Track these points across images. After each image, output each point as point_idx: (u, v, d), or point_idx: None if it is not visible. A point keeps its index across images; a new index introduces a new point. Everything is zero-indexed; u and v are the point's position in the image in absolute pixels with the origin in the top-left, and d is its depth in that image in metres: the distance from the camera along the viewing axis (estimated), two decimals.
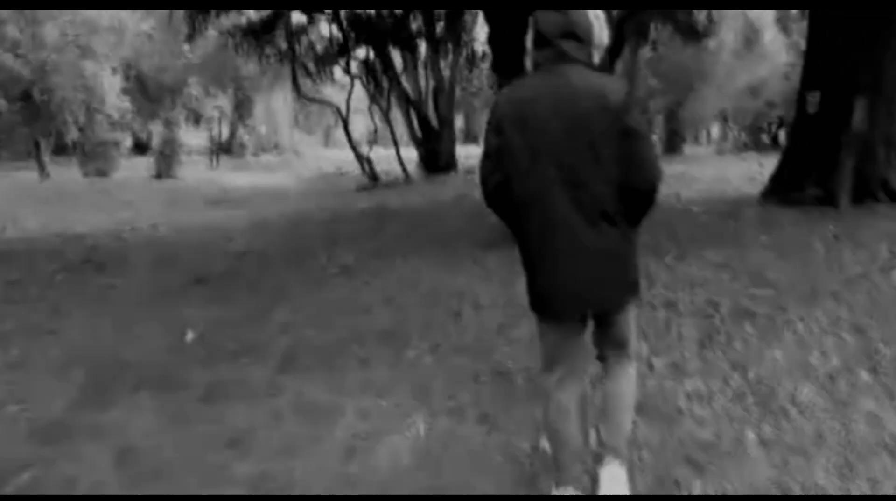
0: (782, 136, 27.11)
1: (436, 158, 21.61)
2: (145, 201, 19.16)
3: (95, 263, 9.37)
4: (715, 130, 37.93)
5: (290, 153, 38.84)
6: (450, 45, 20.07)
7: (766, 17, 25.39)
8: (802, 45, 22.94)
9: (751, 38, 26.23)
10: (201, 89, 34.61)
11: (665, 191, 11.80)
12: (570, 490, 2.80)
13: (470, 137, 50.77)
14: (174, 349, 5.46)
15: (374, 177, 19.69)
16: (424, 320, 5.49)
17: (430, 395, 4.17)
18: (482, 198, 2.80)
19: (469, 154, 29.66)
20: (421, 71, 22.08)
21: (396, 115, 22.89)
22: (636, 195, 2.56)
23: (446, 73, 22.26)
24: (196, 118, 39.30)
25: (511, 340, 4.86)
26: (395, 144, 20.12)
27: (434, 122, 21.88)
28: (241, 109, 39.12)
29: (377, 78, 19.17)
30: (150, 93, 30.96)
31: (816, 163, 9.57)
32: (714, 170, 18.12)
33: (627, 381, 2.90)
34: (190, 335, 5.78)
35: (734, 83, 26.42)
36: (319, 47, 17.09)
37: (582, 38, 2.55)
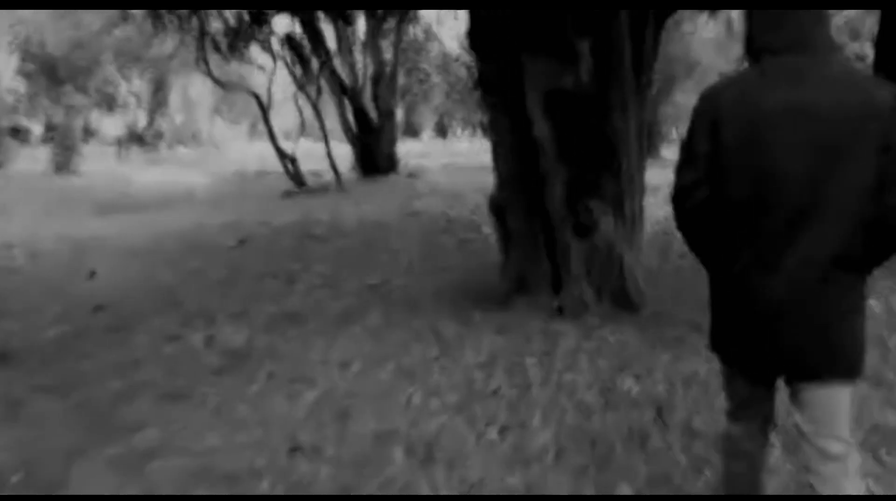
0: None
1: (374, 156, 18.66)
2: (24, 204, 15.83)
3: None
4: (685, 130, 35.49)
5: (209, 146, 35.08)
6: (394, 20, 17.11)
7: None
8: None
9: (732, 23, 23.76)
10: (115, 71, 30.71)
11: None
12: None
13: (411, 131, 47.64)
14: None
15: (299, 180, 16.55)
16: None
17: None
18: (674, 219, 2.21)
19: (411, 151, 26.93)
20: (358, 53, 19.06)
21: (329, 105, 19.72)
22: (885, 233, 1.95)
23: (389, 55, 19.31)
24: (110, 104, 35.38)
25: None
26: (326, 140, 16.95)
27: (372, 114, 18.89)
28: (159, 94, 35.37)
29: (304, 59, 15.82)
30: (51, 72, 27.03)
31: None
32: None
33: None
34: None
35: (715, 75, 23.71)
36: (232, 18, 13.61)
37: (827, 23, 2.02)
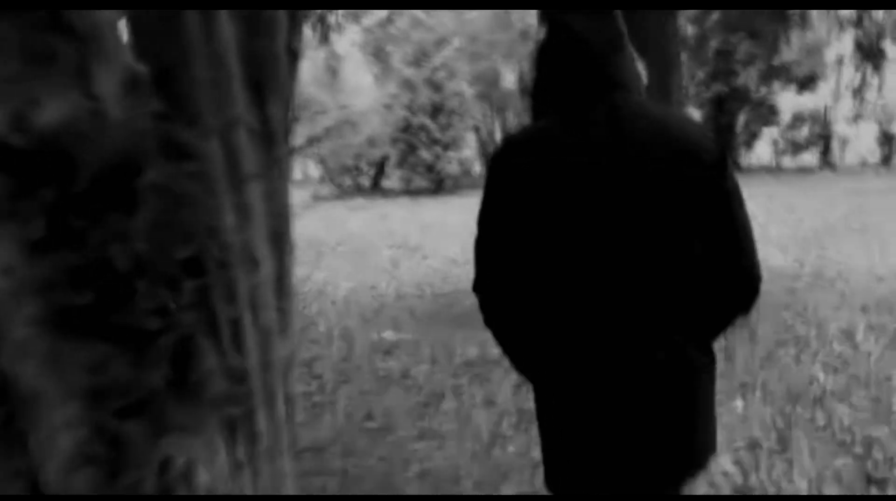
0: (388, 176, 24.00)
1: None
2: None
3: None
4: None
5: None
6: None
7: (344, 43, 21.97)
8: (406, 72, 20.31)
9: (334, 67, 22.89)
10: None
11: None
12: None
13: None
14: None
15: None
16: None
17: None
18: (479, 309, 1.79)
19: None
20: None
21: None
22: (731, 295, 1.69)
23: None
24: None
25: None
26: None
27: None
28: None
29: None
30: None
31: None
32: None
33: None
34: None
35: (328, 116, 22.29)
36: None
37: (632, 56, 1.71)
